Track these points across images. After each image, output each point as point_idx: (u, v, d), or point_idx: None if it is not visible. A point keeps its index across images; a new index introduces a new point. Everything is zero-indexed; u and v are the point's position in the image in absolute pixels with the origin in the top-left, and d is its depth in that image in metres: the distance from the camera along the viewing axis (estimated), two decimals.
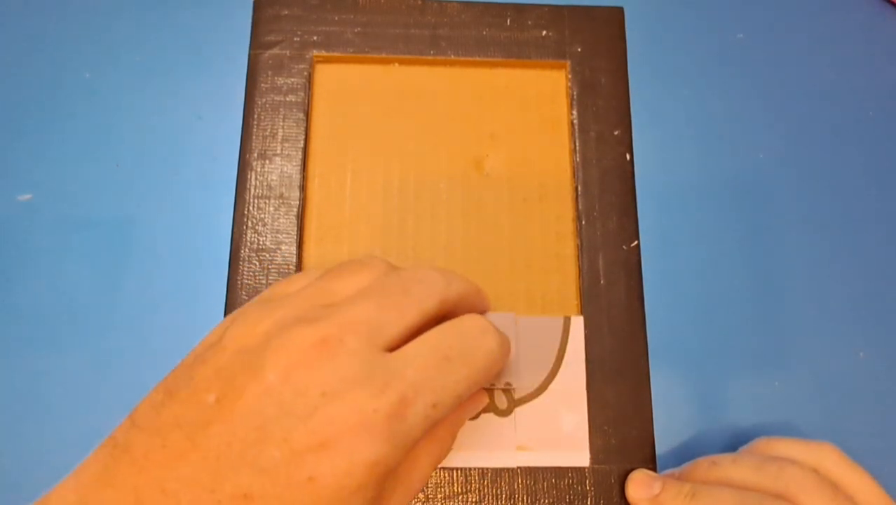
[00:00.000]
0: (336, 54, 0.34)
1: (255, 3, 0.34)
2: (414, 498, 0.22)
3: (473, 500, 0.28)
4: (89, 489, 0.18)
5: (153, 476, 0.17)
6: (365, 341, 0.19)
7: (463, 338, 0.21)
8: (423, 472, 0.22)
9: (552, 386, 0.30)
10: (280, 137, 0.32)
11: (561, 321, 0.31)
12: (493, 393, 0.30)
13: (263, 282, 0.30)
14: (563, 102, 0.34)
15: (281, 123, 0.33)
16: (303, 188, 0.32)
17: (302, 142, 0.32)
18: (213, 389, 0.18)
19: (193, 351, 0.21)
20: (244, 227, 0.31)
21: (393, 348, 0.20)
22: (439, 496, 0.28)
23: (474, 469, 0.29)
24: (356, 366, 0.18)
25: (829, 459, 0.26)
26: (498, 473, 0.29)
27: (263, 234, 0.31)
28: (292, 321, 0.19)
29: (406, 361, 0.19)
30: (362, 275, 0.22)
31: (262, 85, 0.33)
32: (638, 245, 0.32)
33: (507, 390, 0.30)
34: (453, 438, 0.23)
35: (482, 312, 0.27)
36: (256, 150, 0.32)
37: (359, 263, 0.22)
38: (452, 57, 0.34)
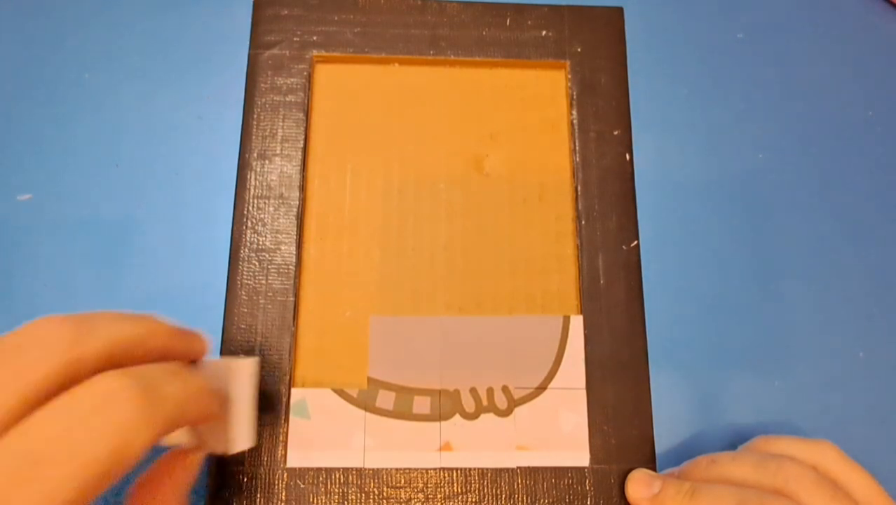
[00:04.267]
0: (336, 54, 0.34)
1: (255, 3, 0.34)
2: None
3: (473, 500, 0.28)
4: None
5: None
6: None
7: (66, 420, 0.16)
8: None
9: (552, 386, 0.30)
10: (280, 137, 0.32)
11: (560, 321, 0.31)
12: (492, 392, 0.30)
13: (263, 282, 0.30)
14: (562, 102, 0.34)
15: (281, 123, 0.33)
16: (303, 188, 0.32)
17: (302, 142, 0.32)
18: None
19: None
20: (244, 227, 0.31)
21: None
22: (439, 496, 0.28)
23: (474, 469, 0.29)
24: None
25: (828, 457, 0.26)
26: (498, 473, 0.29)
27: (263, 235, 0.31)
28: None
29: None
30: None
31: (262, 85, 0.33)
32: (638, 245, 0.32)
33: (507, 390, 0.30)
34: (178, 502, 0.20)
35: (189, 356, 0.23)
36: (256, 150, 0.32)
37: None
38: (452, 57, 0.34)
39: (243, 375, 0.25)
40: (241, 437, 0.24)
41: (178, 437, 0.24)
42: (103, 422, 0.16)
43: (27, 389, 0.16)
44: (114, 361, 0.18)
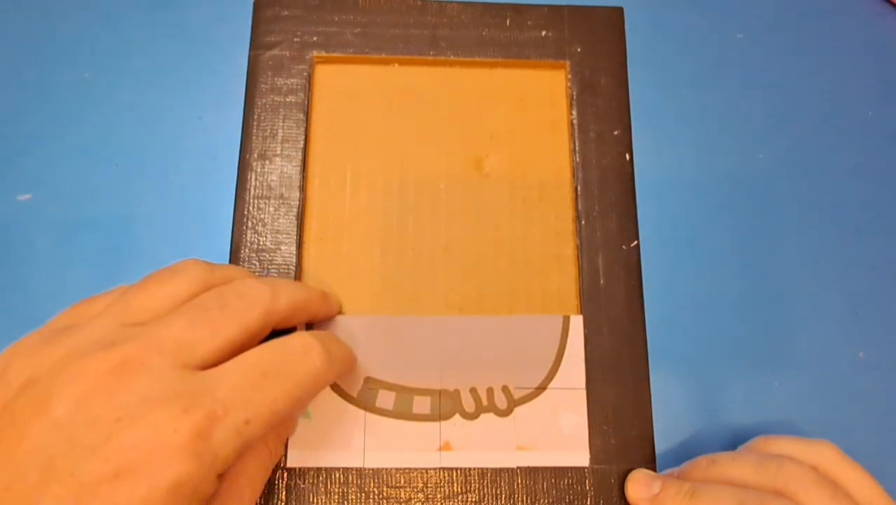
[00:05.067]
0: (336, 55, 0.34)
1: (255, 3, 0.34)
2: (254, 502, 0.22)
3: (473, 500, 0.28)
4: None
5: None
6: (171, 361, 0.18)
7: (284, 354, 0.20)
8: (258, 475, 0.21)
9: (552, 386, 0.30)
10: (280, 138, 0.32)
11: (560, 321, 0.31)
12: (492, 392, 0.30)
13: None
14: (562, 102, 0.34)
15: (281, 124, 0.33)
16: (303, 188, 0.32)
17: (302, 142, 0.32)
18: None
19: None
20: (244, 227, 0.31)
21: (209, 366, 0.19)
22: (439, 496, 0.28)
23: (474, 469, 0.29)
24: (158, 386, 0.18)
25: (828, 457, 0.26)
26: (498, 473, 0.29)
27: (263, 235, 0.31)
28: (89, 346, 0.18)
29: (219, 378, 0.18)
30: (172, 286, 0.21)
31: (262, 85, 0.33)
32: (638, 245, 0.32)
33: (507, 390, 0.30)
34: (278, 453, 0.23)
35: (328, 317, 0.27)
36: (256, 151, 0.32)
37: (169, 272, 0.21)
38: (452, 57, 0.34)
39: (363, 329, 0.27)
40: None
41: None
42: (306, 361, 0.21)
43: (246, 327, 0.20)
44: (290, 319, 0.23)
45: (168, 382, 0.18)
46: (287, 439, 0.27)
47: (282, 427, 0.23)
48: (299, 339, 0.21)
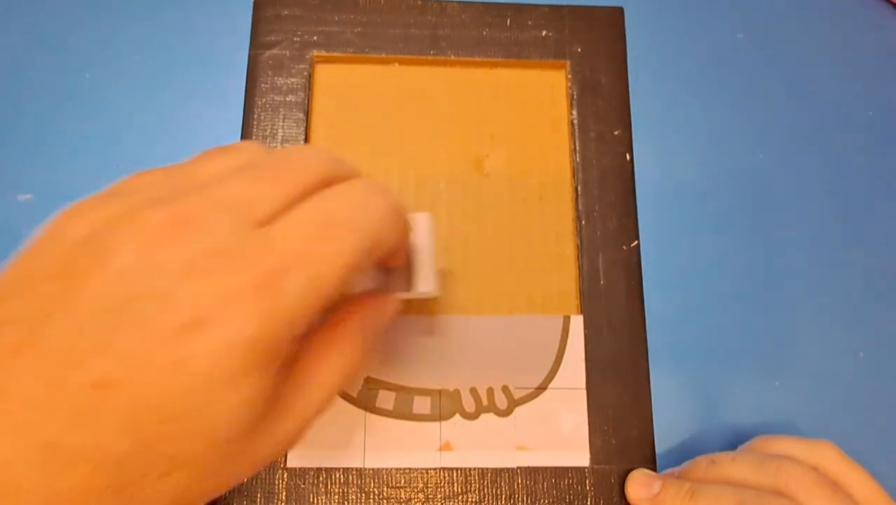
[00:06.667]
0: (336, 54, 0.34)
1: (255, 3, 0.34)
2: (323, 411, 0.20)
3: (473, 500, 0.28)
4: None
5: None
6: (233, 216, 0.17)
7: (347, 200, 0.19)
8: (328, 378, 0.20)
9: (552, 386, 0.30)
10: (280, 137, 0.32)
11: (560, 320, 0.31)
12: (492, 392, 0.30)
13: None
14: (563, 102, 0.34)
15: (281, 123, 0.33)
16: None
17: (302, 142, 0.32)
18: (53, 280, 0.16)
19: (21, 253, 0.18)
20: None
21: (269, 223, 0.18)
22: (439, 496, 0.28)
23: (474, 469, 0.29)
24: (221, 240, 0.17)
25: (828, 457, 0.26)
26: (498, 473, 0.29)
27: None
28: (146, 203, 0.17)
29: (282, 232, 0.17)
30: (233, 156, 0.20)
31: (262, 85, 0.33)
32: (638, 245, 0.32)
33: (507, 390, 0.30)
34: (363, 344, 0.21)
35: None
36: None
37: (230, 146, 0.21)
38: (452, 57, 0.34)
39: (422, 226, 0.25)
40: (425, 280, 0.25)
41: (363, 283, 0.24)
42: (373, 206, 0.19)
43: (305, 184, 0.19)
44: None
45: (232, 237, 0.17)
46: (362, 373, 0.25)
47: (360, 338, 0.21)
48: (361, 182, 0.20)
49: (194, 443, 0.16)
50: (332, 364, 0.20)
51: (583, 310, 0.31)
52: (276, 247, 0.17)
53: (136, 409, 0.15)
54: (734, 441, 0.30)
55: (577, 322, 0.31)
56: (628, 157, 0.33)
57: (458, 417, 0.29)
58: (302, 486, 0.28)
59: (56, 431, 0.15)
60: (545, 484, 0.29)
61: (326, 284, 0.17)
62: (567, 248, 0.32)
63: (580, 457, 0.29)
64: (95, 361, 0.15)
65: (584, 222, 0.32)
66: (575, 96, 0.34)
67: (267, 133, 0.32)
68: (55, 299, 0.16)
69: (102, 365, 0.15)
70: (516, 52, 0.34)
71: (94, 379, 0.15)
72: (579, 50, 0.34)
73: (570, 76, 0.34)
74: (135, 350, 0.15)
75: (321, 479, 0.28)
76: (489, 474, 0.29)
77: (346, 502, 0.28)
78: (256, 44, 0.34)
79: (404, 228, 0.21)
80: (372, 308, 0.22)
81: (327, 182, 0.19)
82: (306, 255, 0.17)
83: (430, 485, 0.28)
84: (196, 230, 0.17)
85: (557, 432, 0.29)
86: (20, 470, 0.15)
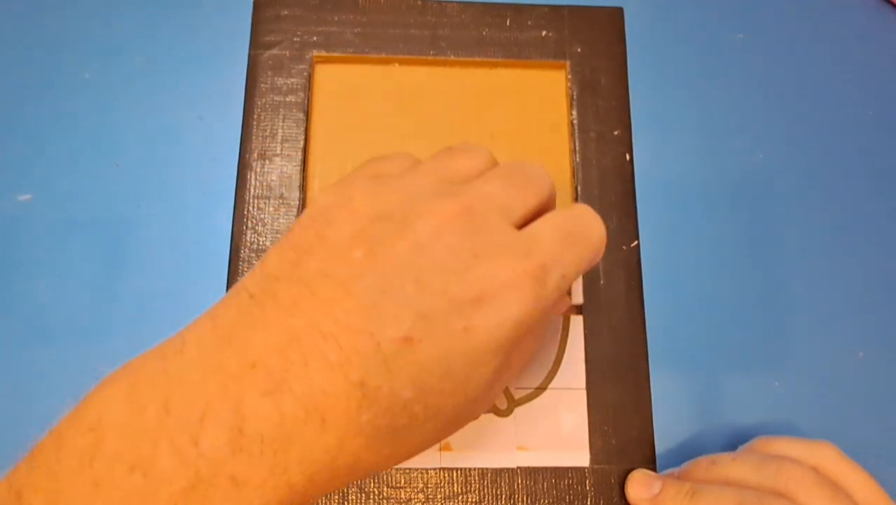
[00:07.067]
0: (336, 54, 0.34)
1: (255, 3, 0.34)
2: (510, 384, 0.24)
3: (473, 500, 0.28)
4: (233, 331, 0.18)
5: (308, 319, 0.18)
6: (500, 216, 0.20)
7: (579, 220, 0.22)
8: (525, 356, 0.23)
9: (552, 386, 0.30)
10: (280, 138, 0.32)
11: (560, 321, 0.31)
12: None
13: None
14: (563, 102, 0.34)
15: (281, 124, 0.33)
16: (303, 188, 0.32)
17: (302, 142, 0.32)
18: (359, 245, 0.19)
19: (300, 222, 0.20)
20: (244, 227, 0.31)
21: (518, 227, 0.21)
22: (439, 496, 0.28)
23: (474, 469, 0.29)
24: (500, 234, 0.20)
25: (828, 457, 0.26)
26: (498, 473, 0.29)
27: (263, 235, 0.31)
28: (427, 193, 0.20)
29: (537, 235, 0.20)
30: (475, 160, 0.22)
31: (262, 85, 0.33)
32: (638, 245, 0.32)
33: (507, 390, 0.30)
34: (538, 342, 0.24)
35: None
36: (256, 151, 0.32)
37: (467, 147, 0.23)
38: (452, 57, 0.34)
39: None
40: (576, 294, 0.29)
41: None
42: (596, 227, 0.22)
43: (540, 198, 0.22)
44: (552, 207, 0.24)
45: (506, 232, 0.20)
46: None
47: (562, 301, 0.24)
48: (585, 208, 0.23)
49: (453, 399, 0.19)
50: (520, 352, 0.22)
51: (583, 310, 0.31)
52: (541, 246, 0.20)
53: (426, 364, 0.18)
54: (734, 441, 0.30)
55: (577, 322, 0.31)
56: (628, 157, 0.33)
57: None
58: None
59: (365, 374, 0.17)
60: (545, 484, 0.29)
61: (567, 284, 0.21)
62: None
63: (580, 457, 0.29)
64: (402, 318, 0.18)
65: None
66: (575, 96, 0.34)
67: (267, 133, 0.32)
68: (362, 263, 0.18)
69: (407, 324, 0.18)
70: (516, 52, 0.34)
71: (402, 334, 0.18)
72: (579, 50, 0.34)
73: (569, 76, 0.34)
74: (436, 315, 0.18)
75: None
76: (489, 474, 0.29)
77: (345, 502, 0.28)
78: (256, 44, 0.34)
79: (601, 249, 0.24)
80: (560, 301, 0.25)
81: (552, 197, 0.23)
82: (561, 256, 0.20)
83: (429, 485, 0.28)
84: (478, 224, 0.19)
85: (557, 432, 0.29)
86: (334, 401, 0.17)
